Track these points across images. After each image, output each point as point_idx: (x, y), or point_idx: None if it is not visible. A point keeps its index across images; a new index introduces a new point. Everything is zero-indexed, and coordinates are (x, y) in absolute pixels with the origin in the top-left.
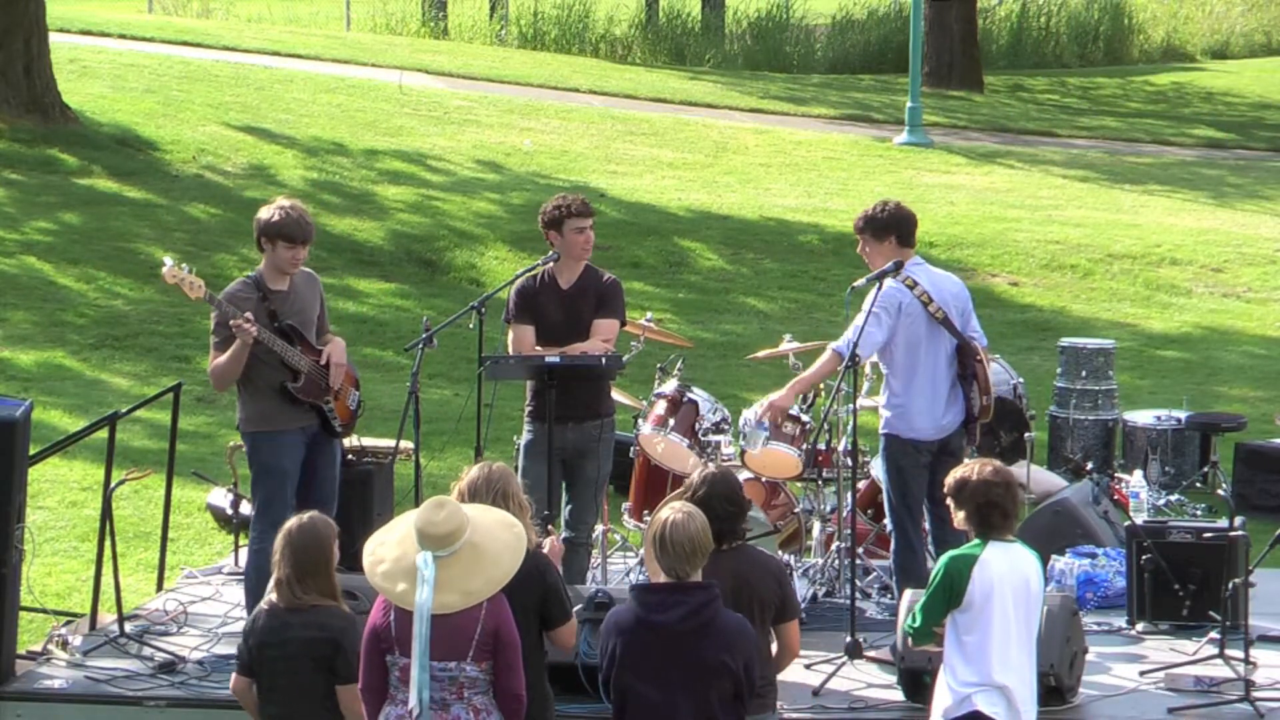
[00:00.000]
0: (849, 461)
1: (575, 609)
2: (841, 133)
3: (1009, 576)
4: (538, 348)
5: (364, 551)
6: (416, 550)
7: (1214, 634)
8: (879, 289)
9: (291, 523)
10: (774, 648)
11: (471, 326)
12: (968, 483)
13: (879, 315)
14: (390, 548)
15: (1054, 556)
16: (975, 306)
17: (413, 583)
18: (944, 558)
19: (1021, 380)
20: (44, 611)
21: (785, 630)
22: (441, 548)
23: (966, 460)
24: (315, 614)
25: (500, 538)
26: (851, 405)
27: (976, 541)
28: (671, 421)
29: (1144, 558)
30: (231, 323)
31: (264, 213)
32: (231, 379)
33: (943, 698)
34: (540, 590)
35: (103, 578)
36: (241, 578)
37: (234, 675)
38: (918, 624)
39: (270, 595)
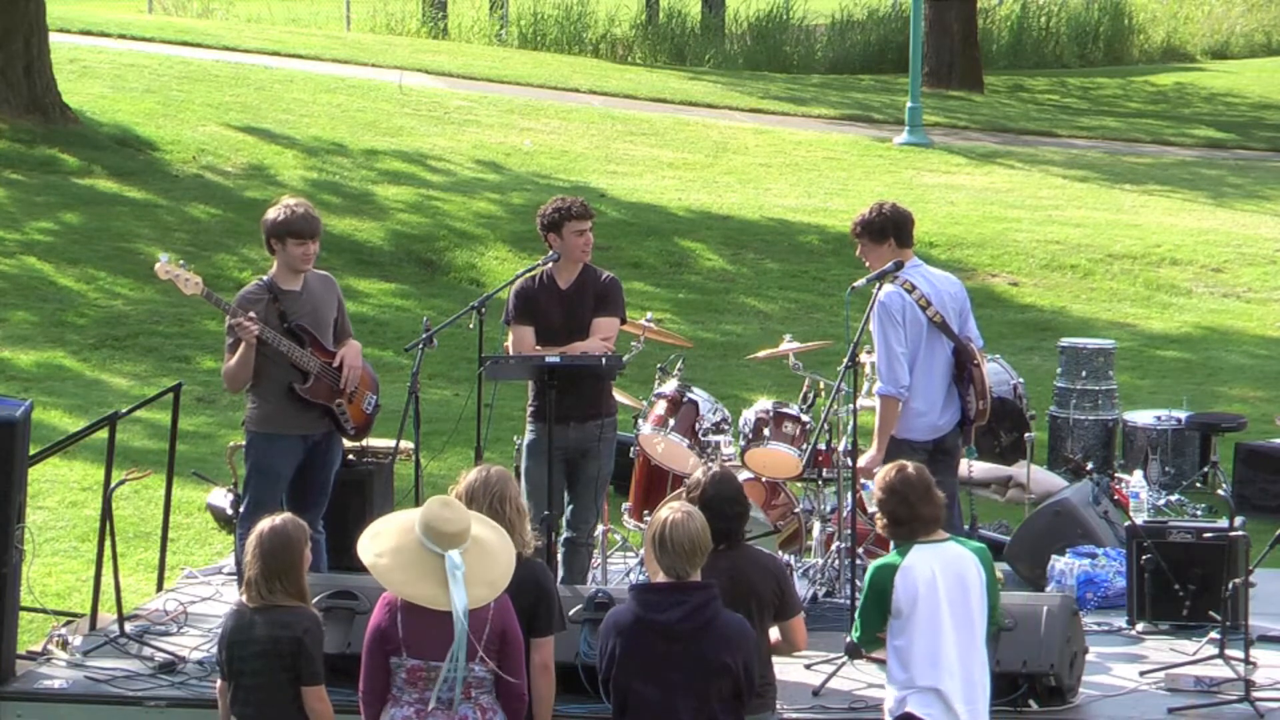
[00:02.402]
0: (849, 461)
1: (575, 609)
2: (841, 133)
3: (940, 577)
4: (538, 348)
5: (367, 564)
6: (421, 550)
7: (1214, 634)
8: (876, 300)
9: (264, 525)
10: (774, 635)
11: (471, 326)
12: (873, 492)
13: (892, 332)
14: (398, 553)
15: (1054, 556)
16: (975, 306)
17: (438, 583)
18: (871, 566)
19: (1021, 380)
20: (44, 611)
21: (790, 627)
22: (458, 545)
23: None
24: (280, 614)
25: (490, 533)
26: (851, 405)
27: (898, 549)
28: (671, 421)
29: (1144, 558)
30: (232, 321)
31: (270, 213)
32: (242, 380)
33: (887, 699)
34: (534, 594)
35: (103, 578)
36: None
37: (217, 680)
38: (859, 633)
39: (240, 596)
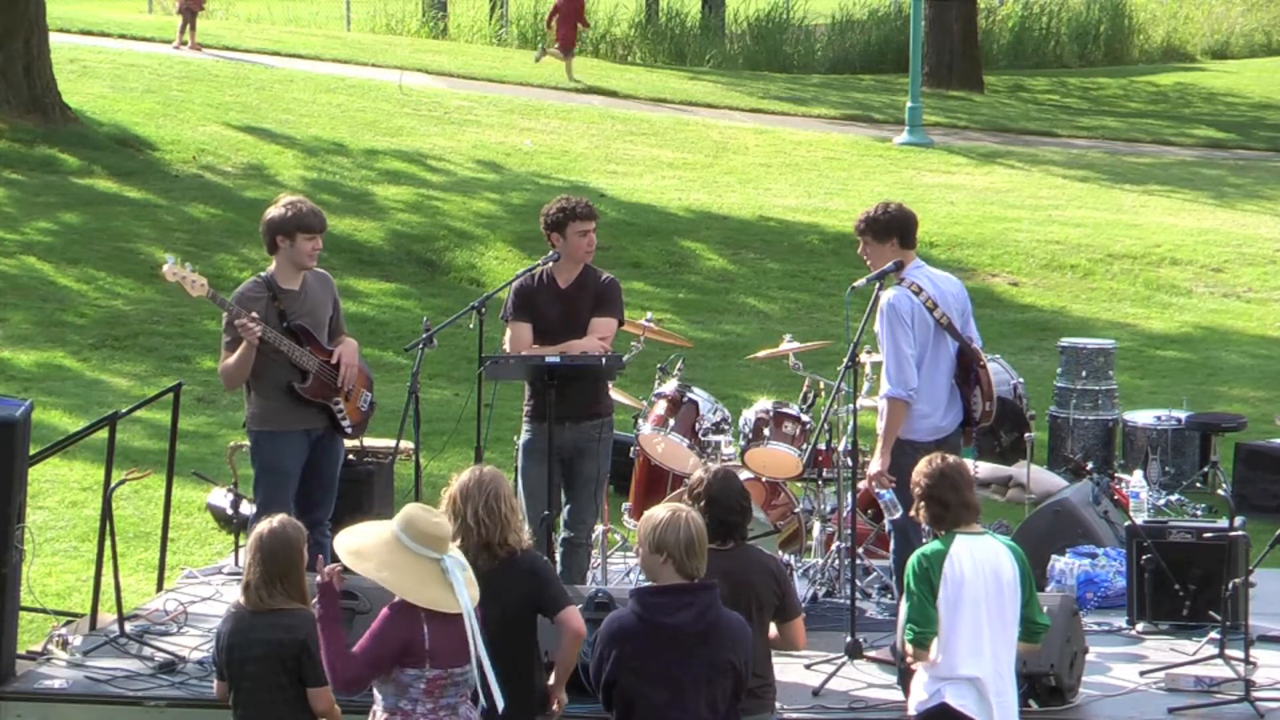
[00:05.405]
0: (849, 461)
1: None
2: (841, 133)
3: (979, 569)
4: (535, 345)
5: (374, 579)
6: (412, 557)
7: (1214, 634)
8: (882, 301)
9: (262, 527)
10: (772, 632)
11: (471, 326)
12: (913, 481)
13: (901, 335)
14: (394, 566)
15: (1054, 556)
16: (975, 306)
17: (441, 586)
18: (913, 557)
19: (1021, 380)
20: (44, 611)
21: (790, 628)
22: (448, 547)
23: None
24: (281, 616)
25: None
26: (851, 405)
27: (943, 537)
28: (671, 421)
29: (1144, 558)
30: (236, 322)
31: (273, 212)
32: (240, 379)
33: (917, 691)
34: (530, 583)
35: (103, 578)
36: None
37: (215, 681)
38: (921, 628)
39: (237, 598)
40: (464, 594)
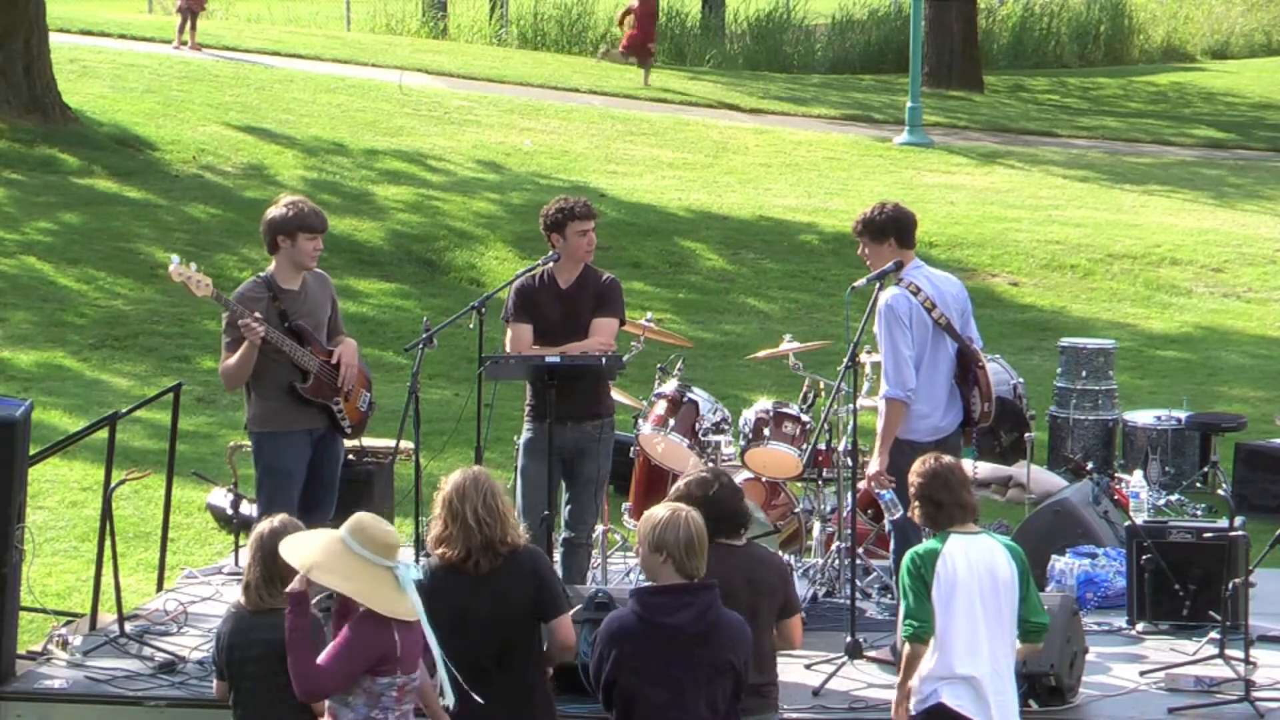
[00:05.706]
0: (849, 461)
1: (575, 609)
2: (841, 133)
3: (974, 568)
4: (535, 346)
5: (346, 593)
6: (371, 567)
7: (1214, 634)
8: (880, 302)
9: (262, 526)
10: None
11: (471, 326)
12: (909, 480)
13: (900, 336)
14: (356, 578)
15: (1054, 556)
16: (975, 306)
17: (402, 595)
18: (907, 556)
19: (1021, 380)
20: (44, 611)
21: (788, 626)
22: (398, 555)
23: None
24: (281, 616)
25: None
26: (851, 405)
27: (938, 536)
28: (671, 421)
29: (1144, 558)
30: (240, 322)
31: (274, 211)
32: (241, 379)
33: (915, 691)
34: (532, 583)
35: (103, 578)
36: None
37: (215, 680)
38: (920, 623)
39: (238, 598)
40: (418, 600)
